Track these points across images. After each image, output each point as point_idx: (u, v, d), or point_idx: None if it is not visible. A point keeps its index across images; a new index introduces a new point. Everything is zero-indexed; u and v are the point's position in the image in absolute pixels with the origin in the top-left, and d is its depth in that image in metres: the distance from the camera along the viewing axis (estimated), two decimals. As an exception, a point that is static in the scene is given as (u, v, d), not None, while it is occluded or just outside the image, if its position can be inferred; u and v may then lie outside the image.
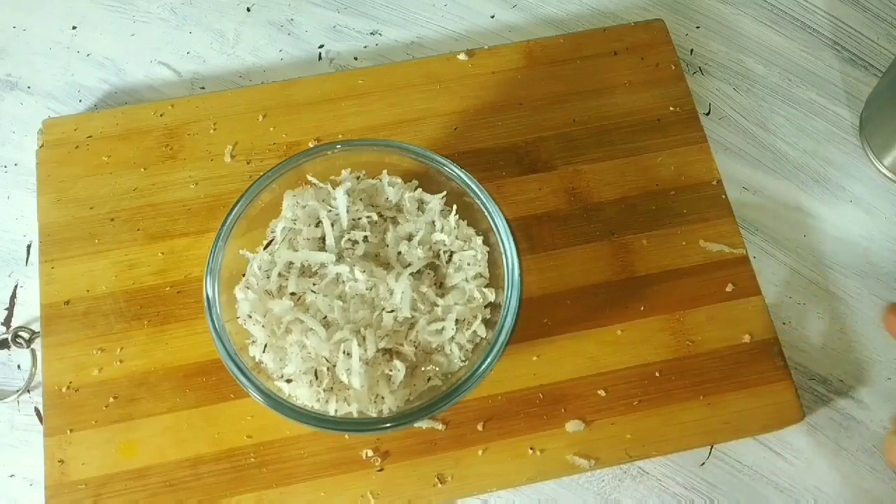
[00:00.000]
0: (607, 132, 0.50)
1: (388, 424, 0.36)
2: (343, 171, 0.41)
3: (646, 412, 0.43)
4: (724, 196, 0.48)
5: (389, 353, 0.39)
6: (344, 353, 0.37)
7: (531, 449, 0.42)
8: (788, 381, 0.44)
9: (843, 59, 0.54)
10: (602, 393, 0.43)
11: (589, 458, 0.42)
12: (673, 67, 0.52)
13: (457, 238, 0.41)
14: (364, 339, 0.37)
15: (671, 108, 0.50)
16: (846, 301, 0.47)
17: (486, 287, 0.40)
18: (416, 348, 0.39)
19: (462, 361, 0.39)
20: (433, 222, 0.41)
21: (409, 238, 0.41)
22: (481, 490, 0.42)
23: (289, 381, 0.38)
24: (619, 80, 0.51)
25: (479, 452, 0.42)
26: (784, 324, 0.47)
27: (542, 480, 0.42)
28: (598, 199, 0.48)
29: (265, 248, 0.40)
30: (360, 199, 0.41)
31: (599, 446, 0.42)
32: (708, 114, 0.52)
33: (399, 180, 0.42)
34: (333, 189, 0.41)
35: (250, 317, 0.39)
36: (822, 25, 0.55)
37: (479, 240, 0.41)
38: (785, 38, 0.55)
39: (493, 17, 0.55)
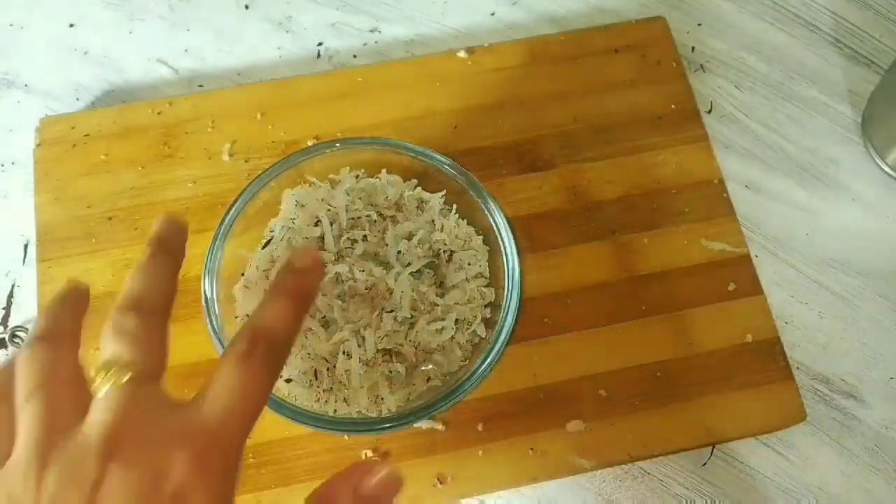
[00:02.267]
0: (608, 130, 0.49)
1: (388, 425, 0.36)
2: (342, 170, 0.41)
3: (647, 412, 0.43)
4: (725, 194, 0.48)
5: (389, 354, 0.38)
6: (343, 353, 0.37)
7: (531, 449, 0.42)
8: (790, 381, 0.44)
9: (845, 57, 0.54)
10: (603, 393, 0.43)
11: (590, 458, 0.42)
12: (674, 65, 0.51)
13: (457, 237, 0.41)
14: (363, 339, 0.37)
15: (672, 106, 0.50)
16: (848, 300, 0.47)
17: (486, 286, 0.40)
18: (415, 348, 0.38)
19: (462, 361, 0.39)
20: (433, 221, 0.41)
21: (409, 237, 0.40)
22: (481, 491, 0.42)
23: (288, 381, 0.38)
24: (621, 77, 0.51)
25: (479, 453, 0.42)
26: (786, 323, 0.46)
27: (543, 481, 0.42)
28: (599, 198, 0.48)
29: (264, 248, 0.40)
30: (360, 199, 0.41)
31: (600, 446, 0.42)
32: (709, 112, 0.52)
33: (398, 178, 0.42)
34: (332, 188, 0.40)
35: (248, 316, 0.38)
36: (824, 23, 0.55)
37: (479, 239, 0.41)
38: (787, 35, 0.55)
39: (493, 14, 0.55)
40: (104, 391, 0.25)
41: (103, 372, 0.25)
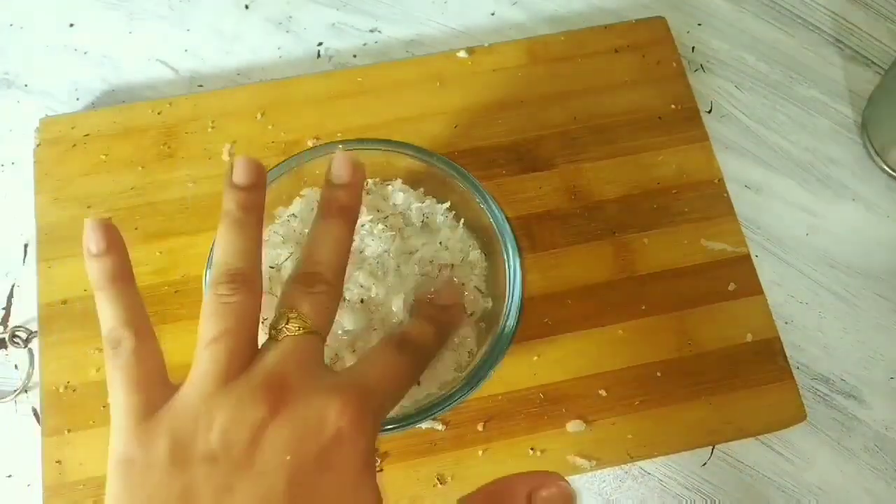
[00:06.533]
0: (608, 130, 0.49)
1: (388, 425, 0.36)
2: None
3: (647, 412, 0.43)
4: (725, 194, 0.48)
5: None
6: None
7: (532, 449, 0.42)
8: (790, 381, 0.44)
9: (845, 57, 0.54)
10: (603, 393, 0.43)
11: (590, 458, 0.42)
12: (674, 65, 0.51)
13: (460, 251, 0.40)
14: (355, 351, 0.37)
15: (672, 106, 0.50)
16: (848, 300, 0.47)
17: (485, 286, 0.40)
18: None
19: (458, 371, 0.38)
20: (438, 241, 0.40)
21: (412, 253, 0.40)
22: (482, 491, 0.42)
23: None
24: (621, 77, 0.51)
25: (480, 453, 0.42)
26: (786, 323, 0.46)
27: (543, 481, 0.42)
28: (599, 198, 0.48)
29: (271, 267, 0.40)
30: (365, 207, 0.40)
31: (600, 447, 0.42)
32: (710, 111, 0.52)
33: (408, 188, 0.41)
34: None
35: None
36: (824, 23, 0.55)
37: (477, 251, 0.40)
38: (787, 35, 0.55)
39: (493, 14, 0.55)
40: (280, 338, 0.28)
41: (282, 320, 0.28)
